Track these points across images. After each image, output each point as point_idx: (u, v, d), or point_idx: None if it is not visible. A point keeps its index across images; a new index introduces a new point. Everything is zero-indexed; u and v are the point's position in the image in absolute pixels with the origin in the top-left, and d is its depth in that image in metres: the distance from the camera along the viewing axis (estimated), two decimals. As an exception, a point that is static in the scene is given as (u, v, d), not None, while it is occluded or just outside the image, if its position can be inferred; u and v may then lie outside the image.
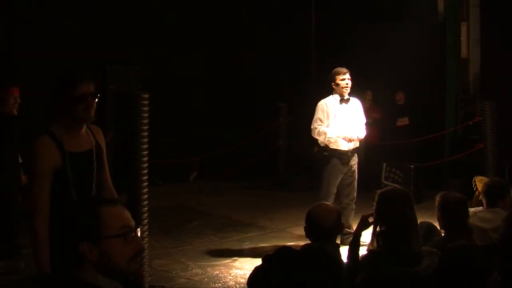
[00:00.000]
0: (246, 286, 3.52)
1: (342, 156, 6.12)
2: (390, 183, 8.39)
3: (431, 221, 4.45)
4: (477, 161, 7.93)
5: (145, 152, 4.40)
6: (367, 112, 9.81)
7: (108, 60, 9.71)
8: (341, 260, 3.46)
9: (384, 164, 8.89)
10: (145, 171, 4.41)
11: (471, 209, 4.73)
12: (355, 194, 6.24)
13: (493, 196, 4.36)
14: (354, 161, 6.22)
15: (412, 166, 8.65)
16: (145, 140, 4.39)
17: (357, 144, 6.17)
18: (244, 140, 9.82)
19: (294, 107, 10.19)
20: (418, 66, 10.20)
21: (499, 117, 7.65)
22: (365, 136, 6.31)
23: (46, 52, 8.72)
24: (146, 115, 4.37)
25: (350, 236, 6.05)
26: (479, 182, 5.25)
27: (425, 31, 10.64)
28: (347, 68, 6.17)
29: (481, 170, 7.17)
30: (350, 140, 6.01)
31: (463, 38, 10.52)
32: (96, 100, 3.06)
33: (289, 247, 3.45)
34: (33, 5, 8.96)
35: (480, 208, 4.40)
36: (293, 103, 10.18)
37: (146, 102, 4.37)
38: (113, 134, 6.45)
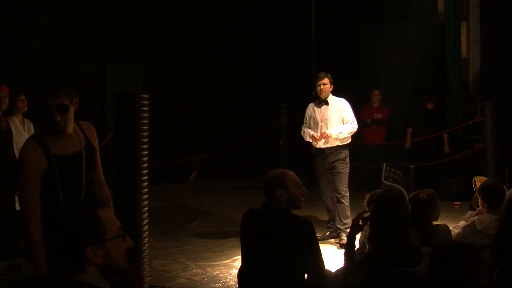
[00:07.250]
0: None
1: (320, 154, 6.42)
2: (390, 183, 8.39)
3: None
4: (477, 161, 7.93)
5: (145, 152, 4.39)
6: (373, 111, 9.82)
7: (108, 60, 9.71)
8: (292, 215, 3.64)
9: (384, 164, 8.88)
10: (145, 171, 4.40)
11: (469, 213, 4.72)
12: (342, 187, 6.30)
13: (495, 199, 4.33)
14: (336, 157, 6.30)
15: (412, 166, 8.65)
16: (145, 140, 4.38)
17: (329, 142, 6.27)
18: (244, 140, 9.82)
19: (294, 107, 10.18)
20: (418, 66, 10.20)
21: (499, 117, 7.66)
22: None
23: (46, 52, 8.73)
24: (146, 115, 4.36)
25: (335, 231, 6.17)
26: (479, 182, 5.23)
27: (425, 31, 10.64)
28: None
29: (481, 170, 7.17)
30: (315, 139, 6.25)
31: (463, 38, 10.53)
32: (69, 111, 2.93)
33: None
34: (33, 4, 8.96)
35: (487, 215, 4.33)
36: (293, 103, 10.17)
37: (146, 102, 4.36)
38: (113, 134, 6.44)
